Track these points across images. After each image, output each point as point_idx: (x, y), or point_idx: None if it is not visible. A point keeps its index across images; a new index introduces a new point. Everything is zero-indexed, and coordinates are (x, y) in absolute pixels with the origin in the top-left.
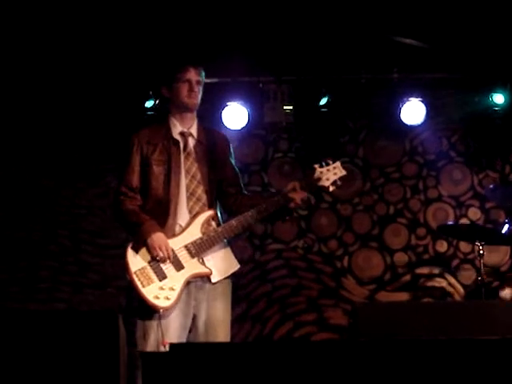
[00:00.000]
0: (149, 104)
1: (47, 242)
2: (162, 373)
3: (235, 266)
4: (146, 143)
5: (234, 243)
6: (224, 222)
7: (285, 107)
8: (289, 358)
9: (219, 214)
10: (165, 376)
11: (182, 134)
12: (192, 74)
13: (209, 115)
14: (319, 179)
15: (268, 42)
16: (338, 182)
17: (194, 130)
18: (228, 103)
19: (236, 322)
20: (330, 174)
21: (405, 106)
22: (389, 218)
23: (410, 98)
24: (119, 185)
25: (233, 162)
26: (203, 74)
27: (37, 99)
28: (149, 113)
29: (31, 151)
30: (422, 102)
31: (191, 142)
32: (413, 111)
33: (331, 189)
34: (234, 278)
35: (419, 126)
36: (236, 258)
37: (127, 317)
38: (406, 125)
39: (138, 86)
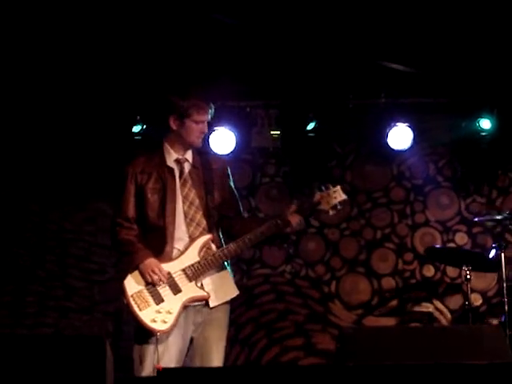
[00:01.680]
0: (136, 129)
1: (35, 267)
2: None
3: (234, 292)
4: (140, 172)
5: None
6: (225, 245)
7: (272, 132)
8: (276, 383)
9: (221, 237)
10: None
11: (177, 160)
12: (207, 116)
13: None
14: (319, 203)
15: (255, 67)
16: (339, 206)
17: (189, 156)
18: (215, 128)
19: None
20: (331, 198)
21: (392, 130)
22: (376, 242)
23: (397, 123)
24: (115, 216)
25: (231, 184)
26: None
27: (25, 124)
28: (136, 137)
29: (19, 175)
30: (409, 126)
31: (187, 168)
32: (400, 136)
33: (331, 213)
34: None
35: (406, 150)
36: None
37: (115, 342)
38: (394, 149)
39: (125, 111)
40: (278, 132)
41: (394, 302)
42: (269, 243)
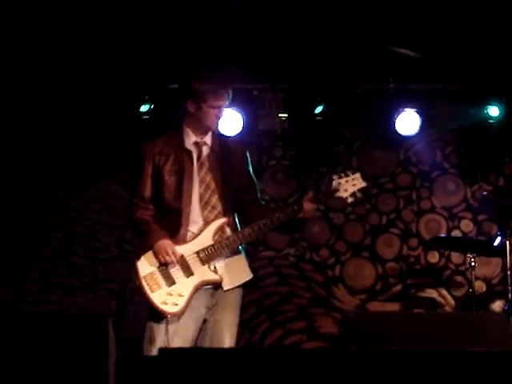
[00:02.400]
0: (144, 108)
1: (40, 244)
2: (150, 377)
3: (248, 276)
4: (158, 153)
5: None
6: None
7: (280, 115)
8: (278, 366)
9: (237, 221)
10: (153, 380)
11: (196, 143)
12: (223, 102)
13: None
14: (336, 190)
15: (263, 50)
16: (358, 194)
17: (208, 139)
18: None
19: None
20: (349, 185)
21: (400, 116)
22: (381, 228)
23: (405, 109)
24: (131, 195)
25: (250, 169)
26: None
27: (32, 102)
28: (144, 117)
29: (26, 154)
30: (416, 112)
31: (205, 151)
32: (407, 122)
33: (350, 200)
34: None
35: (413, 136)
36: None
37: (118, 321)
38: (401, 135)
39: (133, 90)
40: (286, 115)
41: (398, 288)
42: (283, 231)
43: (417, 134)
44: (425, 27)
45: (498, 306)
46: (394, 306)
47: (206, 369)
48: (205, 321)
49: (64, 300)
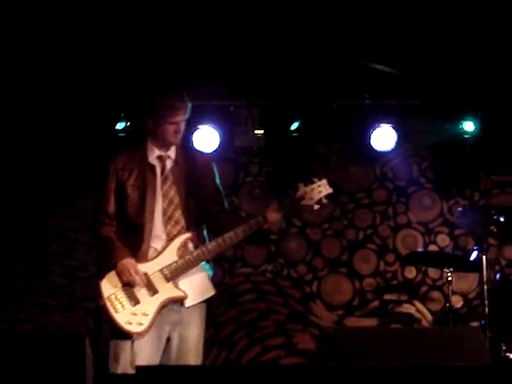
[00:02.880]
0: (120, 126)
1: (16, 263)
2: None
3: (211, 292)
4: (121, 169)
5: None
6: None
7: (256, 131)
8: (257, 382)
9: (205, 234)
10: None
11: (159, 157)
12: (182, 117)
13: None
14: (303, 198)
15: (240, 67)
16: (324, 201)
17: (172, 153)
18: (199, 126)
19: (204, 345)
20: (315, 192)
21: (375, 131)
22: (358, 243)
23: (381, 124)
24: (96, 211)
25: (216, 180)
26: (190, 107)
27: (6, 121)
28: (120, 134)
29: (2, 172)
30: (392, 128)
31: (169, 165)
32: (383, 137)
33: (316, 207)
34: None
35: (390, 152)
36: None
37: (95, 339)
38: (377, 151)
39: (109, 108)
40: (262, 131)
41: (376, 303)
42: (250, 242)
43: (393, 150)
44: (400, 43)
45: (474, 321)
46: (371, 322)
47: None
48: (168, 338)
49: (41, 319)
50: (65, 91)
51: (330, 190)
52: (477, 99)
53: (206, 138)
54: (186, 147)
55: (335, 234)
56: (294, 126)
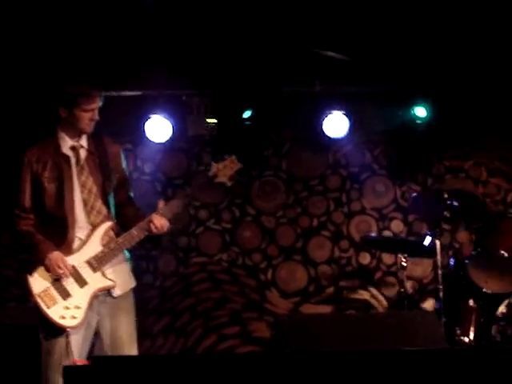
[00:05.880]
0: None
1: None
2: None
3: (133, 282)
4: (35, 162)
5: (158, 256)
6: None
7: (208, 120)
8: (213, 371)
9: None
10: None
11: (72, 147)
12: (96, 104)
13: (132, 128)
14: (216, 176)
15: (190, 55)
16: (236, 177)
17: (84, 142)
18: (151, 116)
19: (160, 334)
20: (227, 169)
21: (327, 118)
22: (312, 230)
23: (333, 111)
24: (12, 207)
25: (124, 168)
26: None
27: None
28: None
29: None
30: (344, 114)
31: (83, 155)
32: (336, 124)
33: (229, 184)
34: (159, 291)
35: (342, 138)
36: (161, 270)
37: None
38: (330, 137)
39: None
40: (214, 120)
41: (331, 290)
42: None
43: (345, 136)
44: (350, 30)
45: (429, 305)
46: (326, 309)
47: (142, 376)
48: (98, 329)
49: None
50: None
51: (240, 165)
52: (428, 85)
53: (158, 128)
54: (95, 136)
55: (289, 222)
56: (247, 114)
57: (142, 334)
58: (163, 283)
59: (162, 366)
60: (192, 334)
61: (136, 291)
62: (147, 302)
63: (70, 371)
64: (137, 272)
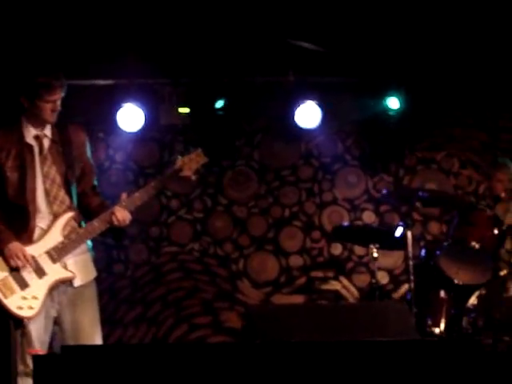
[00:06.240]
0: None
1: None
2: (53, 376)
3: (95, 273)
4: None
5: (130, 245)
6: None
7: (180, 109)
8: (183, 361)
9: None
10: (57, 379)
11: (36, 137)
12: (58, 95)
13: (104, 117)
14: (181, 169)
15: (163, 44)
16: (201, 170)
17: (48, 131)
18: (123, 104)
19: (131, 324)
20: (193, 162)
21: (300, 108)
22: (284, 220)
23: (306, 101)
24: None
25: (89, 157)
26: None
27: None
28: None
29: None
30: (317, 104)
31: (46, 144)
32: (308, 114)
33: (194, 178)
34: (130, 280)
35: (315, 129)
36: (132, 260)
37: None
38: (302, 128)
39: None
40: (187, 109)
41: (302, 280)
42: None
43: (318, 127)
44: (323, 20)
45: (399, 296)
46: (298, 299)
47: (113, 365)
48: (59, 320)
49: None
50: None
51: (206, 160)
52: (400, 75)
53: (131, 117)
54: (59, 125)
55: (261, 212)
56: (219, 103)
57: (113, 323)
58: (134, 273)
59: (133, 356)
60: (163, 324)
61: (107, 280)
62: (118, 291)
63: (40, 361)
64: (108, 261)
